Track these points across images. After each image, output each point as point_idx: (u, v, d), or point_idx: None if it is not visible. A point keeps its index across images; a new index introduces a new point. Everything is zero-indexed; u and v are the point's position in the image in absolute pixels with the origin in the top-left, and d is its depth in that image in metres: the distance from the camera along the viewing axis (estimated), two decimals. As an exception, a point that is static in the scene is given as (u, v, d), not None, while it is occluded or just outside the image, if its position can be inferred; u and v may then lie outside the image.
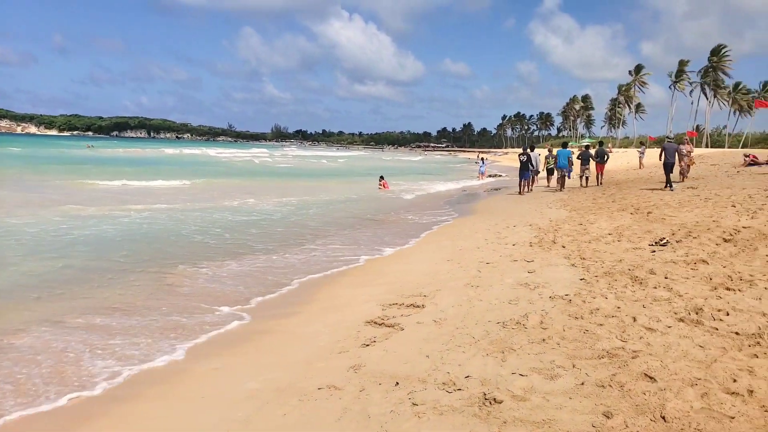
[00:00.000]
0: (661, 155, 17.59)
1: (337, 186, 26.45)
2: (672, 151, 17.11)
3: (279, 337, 5.49)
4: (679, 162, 18.42)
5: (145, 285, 7.32)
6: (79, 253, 9.10)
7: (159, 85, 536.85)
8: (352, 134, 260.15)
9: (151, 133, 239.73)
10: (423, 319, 5.34)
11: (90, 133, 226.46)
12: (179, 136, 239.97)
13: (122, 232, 11.21)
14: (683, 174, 18.93)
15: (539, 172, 21.70)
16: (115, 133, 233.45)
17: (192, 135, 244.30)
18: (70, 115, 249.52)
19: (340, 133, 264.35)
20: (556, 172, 21.05)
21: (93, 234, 10.86)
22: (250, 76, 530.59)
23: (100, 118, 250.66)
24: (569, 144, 27.50)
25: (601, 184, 20.96)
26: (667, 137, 27.03)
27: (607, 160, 21.87)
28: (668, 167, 16.81)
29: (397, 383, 3.85)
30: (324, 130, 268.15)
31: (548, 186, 22.19)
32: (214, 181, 26.52)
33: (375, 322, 5.44)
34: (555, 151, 21.31)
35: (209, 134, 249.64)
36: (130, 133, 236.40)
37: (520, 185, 20.42)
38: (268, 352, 5.09)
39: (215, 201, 17.59)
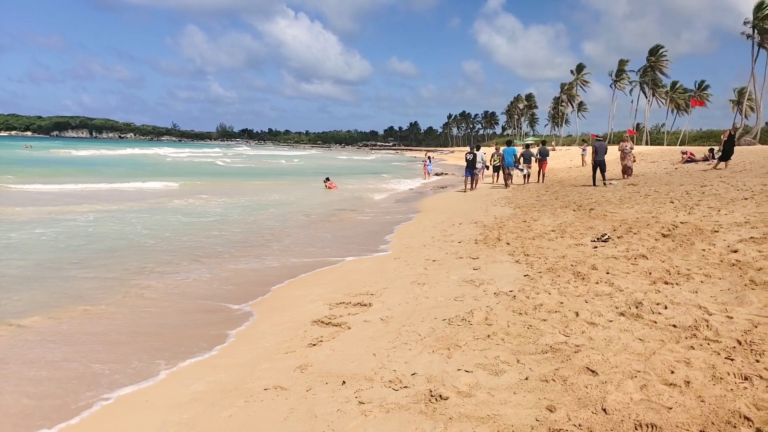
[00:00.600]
0: (592, 154, 18.40)
1: (296, 185, 26.04)
2: (602, 149, 17.84)
3: (218, 340, 5.31)
4: (622, 160, 19.59)
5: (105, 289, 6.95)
6: (12, 260, 8.53)
7: (101, 84, 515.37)
8: (299, 133, 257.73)
9: (93, 133, 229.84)
10: (370, 318, 5.29)
11: (29, 133, 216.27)
12: (122, 135, 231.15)
13: (73, 236, 10.61)
14: (626, 172, 19.50)
15: (488, 167, 22.45)
16: (55, 133, 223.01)
17: (135, 135, 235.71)
18: (8, 115, 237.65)
19: (287, 132, 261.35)
20: (503, 170, 21.56)
21: (28, 240, 10.18)
22: (194, 74, 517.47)
23: (39, 117, 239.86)
24: (514, 142, 28.27)
25: (543, 181, 21.82)
26: (597, 138, 28.29)
27: (547, 157, 22.93)
28: (599, 165, 17.67)
29: (344, 382, 3.79)
30: (270, 129, 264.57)
31: (494, 183, 22.79)
32: (199, 184, 25.05)
33: (322, 322, 5.36)
34: (501, 149, 21.81)
35: (153, 134, 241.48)
36: (71, 133, 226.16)
37: (465, 183, 20.98)
38: (208, 350, 4.91)
39: (201, 206, 16.96)
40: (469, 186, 20.80)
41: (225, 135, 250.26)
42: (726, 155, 19.31)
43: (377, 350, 4.34)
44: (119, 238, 10.40)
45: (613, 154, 21.65)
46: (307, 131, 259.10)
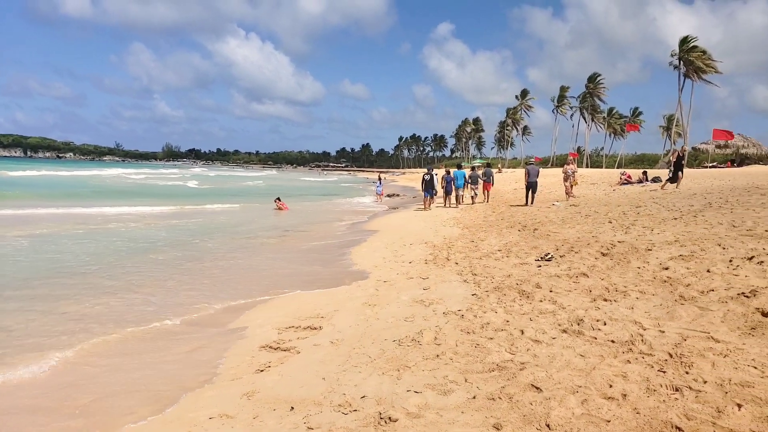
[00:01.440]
0: (525, 176, 19.66)
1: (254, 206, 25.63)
2: (535, 172, 19.50)
3: (168, 366, 5.17)
4: (565, 182, 20.38)
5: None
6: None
7: (38, 101, 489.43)
8: (249, 153, 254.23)
9: (28, 152, 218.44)
10: (320, 341, 5.29)
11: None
12: (60, 155, 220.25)
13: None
14: (569, 193, 20.16)
15: (437, 192, 22.97)
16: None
17: (75, 154, 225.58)
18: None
19: (236, 152, 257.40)
20: (454, 191, 22.34)
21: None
22: (140, 93, 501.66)
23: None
24: (463, 165, 29.04)
25: (488, 201, 22.87)
26: (528, 161, 29.49)
27: (493, 180, 24.00)
28: (531, 187, 19.25)
29: (293, 408, 3.77)
30: (219, 149, 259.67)
31: (446, 205, 23.28)
32: (188, 207, 23.79)
33: (270, 347, 5.31)
34: (452, 172, 22.78)
35: (94, 153, 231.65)
36: (2, 152, 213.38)
37: (425, 202, 22.22)
38: (156, 381, 4.77)
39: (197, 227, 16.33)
40: (427, 204, 21.98)
41: (171, 155, 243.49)
42: (675, 176, 19.75)
43: (327, 374, 4.34)
44: (52, 263, 9.97)
45: (556, 176, 22.53)
46: (257, 151, 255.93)
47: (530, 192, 19.32)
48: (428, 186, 21.88)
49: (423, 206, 22.49)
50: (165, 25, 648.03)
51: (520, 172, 34.48)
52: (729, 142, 49.82)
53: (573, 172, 20.32)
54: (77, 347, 5.53)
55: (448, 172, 23.27)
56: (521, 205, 19.31)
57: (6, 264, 9.79)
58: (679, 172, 19.67)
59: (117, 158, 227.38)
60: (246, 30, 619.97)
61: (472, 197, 22.97)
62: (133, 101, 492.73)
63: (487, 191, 23.46)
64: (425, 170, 24.70)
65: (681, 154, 20.48)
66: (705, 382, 3.50)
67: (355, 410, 3.60)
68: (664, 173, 32.07)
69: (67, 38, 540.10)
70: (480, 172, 23.61)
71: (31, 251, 11.26)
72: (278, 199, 24.15)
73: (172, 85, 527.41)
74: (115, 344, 5.73)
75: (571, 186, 20.28)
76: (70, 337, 5.84)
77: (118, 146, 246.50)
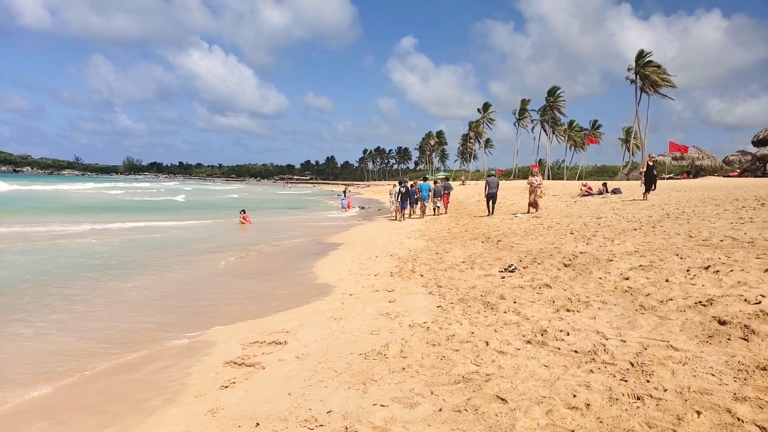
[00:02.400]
0: (485, 188, 20.25)
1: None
2: (494, 184, 20.04)
3: (130, 384, 4.99)
4: (530, 195, 19.87)
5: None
6: None
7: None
8: (212, 166, 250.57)
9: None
10: (285, 356, 5.20)
11: None
12: (17, 169, 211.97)
13: None
14: (534, 206, 19.52)
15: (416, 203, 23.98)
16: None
17: (33, 168, 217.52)
18: None
19: (199, 165, 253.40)
20: (419, 203, 23.44)
21: None
22: (100, 105, 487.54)
23: None
24: (428, 177, 29.65)
25: (446, 212, 23.84)
26: (489, 172, 30.27)
27: (449, 191, 24.95)
28: (491, 198, 19.96)
29: (258, 424, 3.69)
30: (181, 162, 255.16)
31: (410, 215, 24.09)
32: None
33: (235, 363, 5.20)
34: (418, 183, 23.90)
35: (53, 167, 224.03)
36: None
37: (399, 212, 22.97)
38: (118, 400, 4.60)
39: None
40: (400, 215, 22.69)
41: (132, 169, 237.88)
42: (648, 185, 19.82)
43: (292, 389, 4.26)
44: None
45: (519, 188, 22.90)
46: (220, 164, 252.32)
47: (491, 202, 20.13)
48: (404, 197, 22.59)
49: (394, 217, 23.09)
50: (126, 37, 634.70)
51: (482, 185, 35.01)
52: (684, 154, 51.65)
53: (539, 184, 19.91)
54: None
55: (413, 185, 23.79)
56: (483, 216, 19.95)
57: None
58: (653, 182, 19.80)
59: (76, 172, 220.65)
60: (209, 42, 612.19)
61: (435, 209, 23.66)
62: (93, 114, 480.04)
63: (446, 203, 24.43)
64: (394, 182, 25.44)
65: (650, 164, 20.51)
66: (665, 390, 3.58)
67: (321, 425, 3.55)
68: (624, 184, 33.02)
69: (25, 49, 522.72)
70: (441, 186, 24.40)
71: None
72: (243, 211, 23.84)
73: (134, 98, 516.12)
74: (71, 363, 5.51)
75: (536, 199, 19.57)
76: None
77: (78, 160, 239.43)
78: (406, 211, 23.59)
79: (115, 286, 9.24)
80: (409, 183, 24.63)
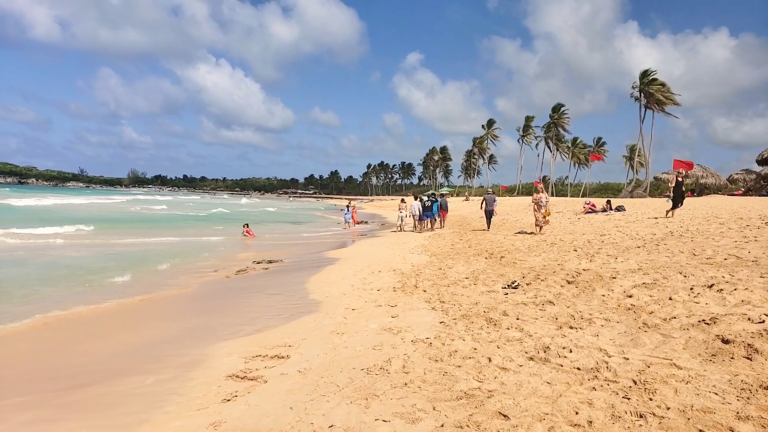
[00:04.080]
0: (482, 204, 21.55)
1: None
2: (491, 200, 21.28)
3: (132, 397, 5.00)
4: (535, 212, 18.28)
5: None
6: None
7: (0, 126, 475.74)
8: (216, 180, 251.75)
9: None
10: (287, 370, 5.20)
11: None
12: (23, 180, 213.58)
13: None
14: (540, 225, 18.00)
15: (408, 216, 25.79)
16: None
17: (38, 180, 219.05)
18: None
19: (203, 178, 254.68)
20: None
21: None
22: (107, 118, 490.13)
23: None
24: (435, 194, 30.25)
25: (443, 226, 25.55)
26: (487, 190, 30.92)
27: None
28: (488, 214, 21.30)
29: (259, 439, 3.68)
30: (185, 176, 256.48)
31: (415, 229, 25.39)
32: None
33: (237, 376, 5.19)
34: (424, 199, 25.25)
35: (58, 179, 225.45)
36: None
37: (422, 224, 24.78)
38: (119, 414, 4.61)
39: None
40: (428, 227, 24.30)
41: (137, 181, 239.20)
42: (676, 202, 18.54)
43: (294, 403, 4.26)
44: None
45: (522, 204, 22.89)
46: (224, 178, 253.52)
47: (488, 218, 21.47)
48: (426, 210, 24.08)
49: (416, 229, 24.69)
50: (135, 51, 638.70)
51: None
52: (689, 172, 51.57)
53: (546, 201, 18.60)
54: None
55: (420, 200, 25.40)
56: (483, 230, 21.07)
57: None
58: (682, 198, 18.51)
59: (81, 184, 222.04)
60: (217, 56, 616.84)
61: (432, 224, 25.32)
62: (100, 126, 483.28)
63: (444, 218, 26.08)
64: (402, 197, 28.10)
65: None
66: (668, 408, 3.57)
67: (323, 441, 3.54)
68: (628, 202, 33.00)
69: (35, 63, 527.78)
70: (440, 201, 25.95)
71: None
72: (246, 225, 23.91)
73: (140, 111, 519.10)
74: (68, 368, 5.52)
75: (544, 216, 18.08)
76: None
77: (83, 172, 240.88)
78: (425, 223, 25.21)
79: (116, 302, 9.26)
80: (410, 199, 25.58)
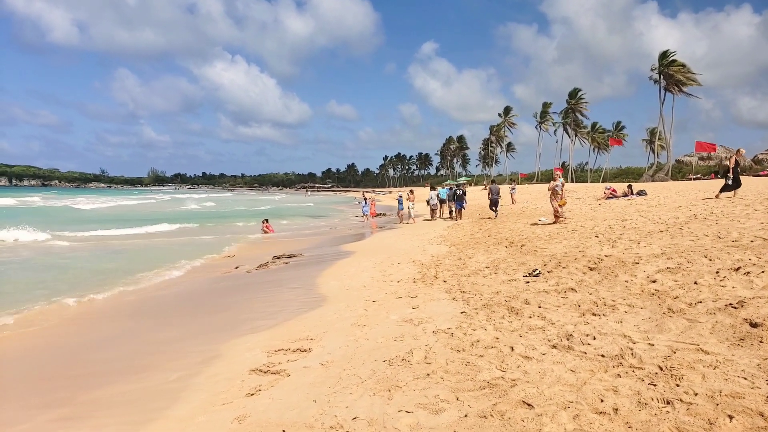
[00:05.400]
0: (489, 193, 22.89)
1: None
2: (496, 190, 22.80)
3: (157, 392, 5.07)
4: (552, 201, 17.19)
5: None
6: None
7: (23, 129, 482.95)
8: (235, 176, 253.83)
9: (13, 181, 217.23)
10: (310, 363, 5.23)
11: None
12: (46, 183, 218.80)
13: None
14: (558, 215, 16.81)
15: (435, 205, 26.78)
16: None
17: (60, 182, 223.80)
18: None
19: (222, 175, 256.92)
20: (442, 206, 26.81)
21: None
22: (126, 118, 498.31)
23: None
24: (450, 183, 30.53)
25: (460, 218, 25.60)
26: (492, 179, 31.49)
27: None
28: (494, 203, 22.72)
29: (284, 431, 3.70)
30: (204, 173, 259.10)
31: (440, 217, 26.55)
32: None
33: (260, 370, 5.23)
34: (438, 189, 26.52)
35: (80, 180, 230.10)
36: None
37: (457, 214, 24.91)
38: (145, 410, 4.68)
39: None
40: (457, 216, 24.28)
41: (157, 180, 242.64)
42: (737, 184, 17.37)
43: (318, 396, 4.28)
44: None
45: (541, 192, 22.63)
46: (243, 174, 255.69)
47: (494, 206, 22.74)
48: (459, 199, 24.55)
49: (452, 218, 24.79)
50: (151, 51, 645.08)
51: (505, 189, 34.86)
52: (712, 154, 50.52)
53: (562, 185, 17.57)
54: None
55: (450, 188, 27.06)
56: (489, 218, 22.15)
57: None
58: (738, 179, 17.35)
59: (102, 185, 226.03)
60: (232, 53, 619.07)
61: (450, 213, 25.96)
62: (119, 127, 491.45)
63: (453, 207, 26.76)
64: (409, 189, 28.46)
65: (738, 159, 17.97)
66: (696, 394, 3.51)
67: (347, 432, 3.55)
68: (649, 186, 32.50)
69: (54, 66, 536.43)
70: (453, 191, 26.49)
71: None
72: (266, 220, 24.06)
73: (158, 110, 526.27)
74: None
75: (560, 205, 16.96)
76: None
77: (104, 172, 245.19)
78: (439, 212, 26.61)
79: (136, 298, 9.41)
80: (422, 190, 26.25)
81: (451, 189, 27.20)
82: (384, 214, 36.87)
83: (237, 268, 13.11)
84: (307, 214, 42.45)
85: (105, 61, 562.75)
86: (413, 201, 27.49)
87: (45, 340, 7.25)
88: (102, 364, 6.12)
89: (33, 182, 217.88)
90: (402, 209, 27.29)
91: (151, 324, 7.85)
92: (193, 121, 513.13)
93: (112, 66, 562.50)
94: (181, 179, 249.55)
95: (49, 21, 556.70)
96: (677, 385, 3.68)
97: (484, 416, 3.54)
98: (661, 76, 62.09)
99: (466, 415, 3.59)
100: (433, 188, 28.65)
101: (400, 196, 27.67)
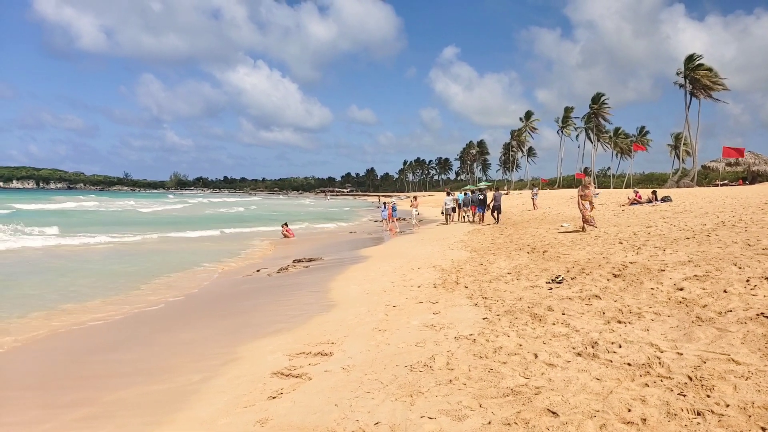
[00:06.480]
0: (492, 200, 23.89)
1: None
2: (498, 197, 23.94)
3: (178, 394, 5.11)
4: (581, 206, 15.97)
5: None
6: None
7: (51, 133, 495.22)
8: (256, 180, 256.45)
9: (40, 184, 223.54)
10: (331, 367, 5.22)
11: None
12: (72, 186, 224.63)
13: None
14: (590, 222, 15.77)
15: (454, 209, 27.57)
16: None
17: (85, 185, 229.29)
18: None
19: (243, 179, 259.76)
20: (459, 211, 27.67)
21: None
22: (149, 123, 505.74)
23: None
24: (471, 187, 30.85)
25: (475, 221, 26.35)
26: (496, 186, 32.77)
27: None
28: (496, 209, 23.59)
29: (305, 436, 3.70)
30: (226, 177, 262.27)
31: (446, 223, 26.64)
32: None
33: (282, 374, 5.24)
34: (456, 194, 27.05)
35: (104, 183, 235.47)
36: (16, 184, 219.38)
37: (480, 217, 25.76)
38: (169, 411, 4.71)
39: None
40: (482, 219, 24.90)
41: (180, 184, 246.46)
42: None
43: (339, 400, 4.27)
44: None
45: (563, 197, 22.28)
46: (263, 178, 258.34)
47: (496, 212, 23.60)
48: (481, 203, 25.31)
49: (478, 222, 25.17)
50: (175, 56, 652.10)
51: (527, 194, 34.62)
52: (739, 159, 49.47)
53: (596, 195, 16.67)
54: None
55: (472, 193, 27.65)
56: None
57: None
58: None
59: (126, 188, 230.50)
60: (254, 58, 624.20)
61: (463, 218, 27.06)
62: (143, 131, 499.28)
63: (474, 212, 26.82)
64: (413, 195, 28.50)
65: None
66: (727, 405, 3.42)
67: (369, 438, 3.53)
68: (674, 192, 31.95)
69: (81, 71, 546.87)
70: (470, 196, 27.14)
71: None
72: (286, 224, 24.18)
73: (182, 115, 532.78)
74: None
75: (587, 213, 15.76)
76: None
77: (127, 176, 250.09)
78: (456, 216, 27.58)
79: (155, 299, 9.51)
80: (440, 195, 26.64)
81: (466, 194, 27.82)
82: (403, 219, 36.86)
83: (258, 271, 13.20)
84: (327, 217, 42.62)
85: (130, 66, 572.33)
86: (417, 207, 28.28)
87: (70, 340, 7.36)
88: (125, 364, 6.20)
89: (59, 185, 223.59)
90: (384, 217, 28.37)
91: (174, 325, 7.93)
92: (216, 125, 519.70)
93: (137, 71, 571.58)
94: (203, 183, 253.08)
95: (78, 28, 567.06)
96: (708, 396, 3.59)
97: (508, 423, 3.48)
98: (687, 81, 61.13)
99: (489, 422, 3.54)
100: (449, 193, 28.72)
101: (394, 204, 28.25)
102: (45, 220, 28.26)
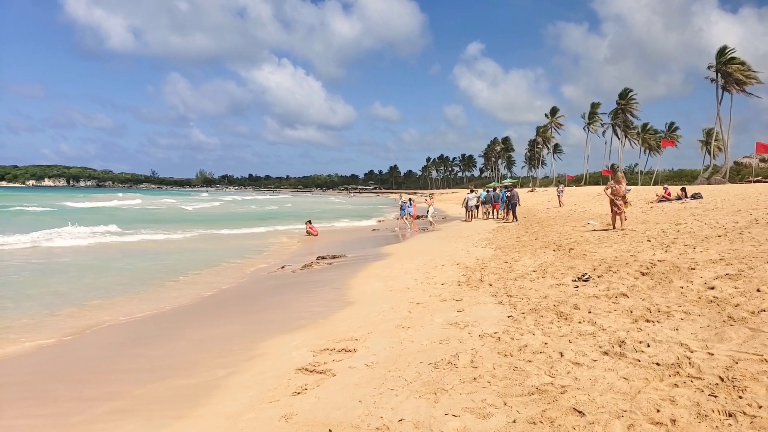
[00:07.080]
0: (509, 198, 24.15)
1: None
2: (515, 195, 24.41)
3: (205, 389, 5.18)
4: (613, 205, 15.30)
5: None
6: None
7: (81, 132, 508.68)
8: (280, 178, 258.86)
9: (71, 182, 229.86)
10: (355, 364, 5.23)
11: (3, 183, 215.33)
12: (101, 183, 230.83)
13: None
14: (621, 216, 15.21)
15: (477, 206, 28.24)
16: (32, 182, 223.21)
17: (114, 183, 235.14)
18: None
19: (267, 177, 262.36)
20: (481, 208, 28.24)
21: None
22: (176, 121, 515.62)
23: (15, 167, 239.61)
24: (495, 185, 31.01)
25: (493, 217, 27.40)
26: (514, 184, 33.27)
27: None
28: (512, 207, 24.18)
29: (330, 431, 3.72)
30: (251, 175, 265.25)
31: (468, 220, 27.47)
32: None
33: (306, 369, 5.27)
34: (480, 191, 27.65)
35: (132, 181, 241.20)
36: (49, 182, 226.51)
37: (488, 215, 27.37)
38: (195, 405, 4.79)
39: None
40: (505, 217, 25.31)
41: (206, 181, 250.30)
42: None
43: (363, 397, 4.28)
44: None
45: (590, 195, 21.96)
46: (287, 176, 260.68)
47: (512, 210, 24.16)
48: (507, 200, 25.39)
49: (504, 219, 25.42)
50: (202, 56, 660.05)
51: (553, 191, 34.25)
52: (771, 156, 48.13)
53: (628, 191, 15.75)
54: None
55: (494, 190, 28.24)
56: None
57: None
58: None
59: (153, 185, 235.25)
60: (279, 56, 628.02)
61: (485, 215, 27.63)
62: (169, 129, 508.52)
63: (496, 209, 27.46)
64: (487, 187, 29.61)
65: None
66: (760, 407, 3.33)
67: (393, 435, 3.53)
68: (705, 189, 31.21)
69: (111, 71, 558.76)
70: (492, 194, 27.55)
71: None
72: (309, 221, 24.28)
73: (208, 113, 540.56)
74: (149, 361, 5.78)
75: (619, 211, 15.10)
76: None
77: (154, 174, 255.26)
78: (480, 213, 28.08)
79: (175, 298, 9.65)
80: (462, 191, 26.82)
81: (488, 192, 28.26)
82: (425, 217, 36.75)
83: (282, 267, 13.31)
84: (352, 215, 42.74)
85: (158, 65, 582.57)
86: (432, 205, 28.28)
87: (102, 336, 7.53)
88: (153, 359, 6.31)
89: (89, 183, 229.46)
90: (403, 214, 27.14)
91: (201, 321, 8.04)
92: (241, 123, 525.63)
93: (164, 70, 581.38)
94: (228, 180, 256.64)
95: (107, 28, 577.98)
96: (740, 397, 3.50)
97: (534, 422, 3.45)
98: (719, 75, 59.66)
99: (514, 421, 3.51)
100: (472, 190, 28.63)
101: (409, 200, 27.86)
102: (95, 218, 28.75)
